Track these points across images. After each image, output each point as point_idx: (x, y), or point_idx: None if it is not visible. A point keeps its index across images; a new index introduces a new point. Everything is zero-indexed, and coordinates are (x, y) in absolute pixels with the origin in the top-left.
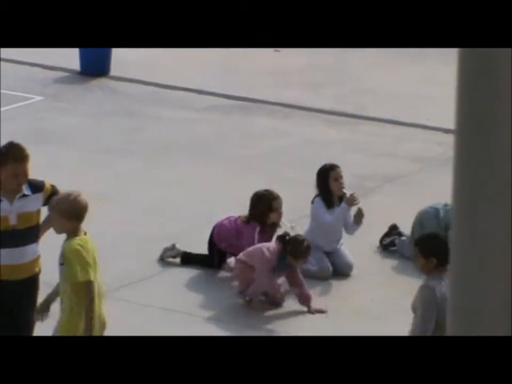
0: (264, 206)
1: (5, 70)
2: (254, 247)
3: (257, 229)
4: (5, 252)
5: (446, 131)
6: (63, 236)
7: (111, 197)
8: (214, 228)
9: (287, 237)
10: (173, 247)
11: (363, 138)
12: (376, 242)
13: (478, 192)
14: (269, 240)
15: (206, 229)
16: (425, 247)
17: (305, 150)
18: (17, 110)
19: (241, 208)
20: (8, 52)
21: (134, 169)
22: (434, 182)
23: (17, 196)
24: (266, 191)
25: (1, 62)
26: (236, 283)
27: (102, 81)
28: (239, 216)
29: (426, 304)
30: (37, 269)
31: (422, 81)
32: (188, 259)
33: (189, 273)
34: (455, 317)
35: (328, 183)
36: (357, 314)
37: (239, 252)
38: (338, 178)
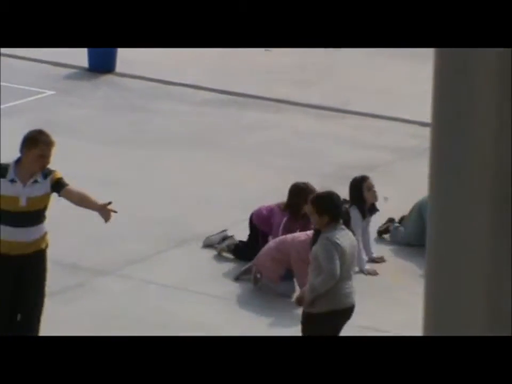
0: (302, 198)
1: (19, 66)
2: (289, 244)
3: (285, 218)
4: (14, 230)
5: (422, 124)
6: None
7: (117, 183)
8: (253, 214)
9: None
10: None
11: (347, 131)
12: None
13: (452, 181)
14: (302, 229)
15: (202, 210)
16: (319, 205)
17: (294, 141)
18: (32, 103)
19: (232, 192)
20: (22, 50)
21: (137, 158)
22: (410, 171)
23: (30, 181)
24: (305, 184)
25: (17, 60)
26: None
27: (108, 77)
28: (278, 203)
29: (326, 250)
30: (43, 245)
31: (403, 79)
32: (239, 248)
33: (191, 252)
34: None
35: (362, 193)
36: None
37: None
38: (371, 187)
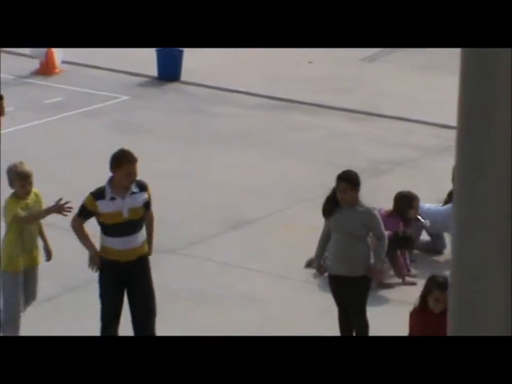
0: (406, 203)
1: (100, 75)
2: None
3: (401, 222)
4: (122, 239)
5: (443, 126)
6: None
7: (180, 175)
8: None
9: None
10: None
11: (378, 132)
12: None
13: (476, 178)
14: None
15: (253, 199)
16: (355, 181)
17: (332, 141)
18: (110, 106)
19: (279, 184)
20: (101, 62)
21: (198, 154)
22: (433, 165)
23: (128, 193)
24: (409, 192)
25: (98, 70)
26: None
27: (174, 85)
28: (380, 210)
29: (380, 219)
30: (145, 249)
31: (425, 88)
32: None
33: (244, 235)
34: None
35: (407, 210)
36: None
37: None
38: (416, 207)
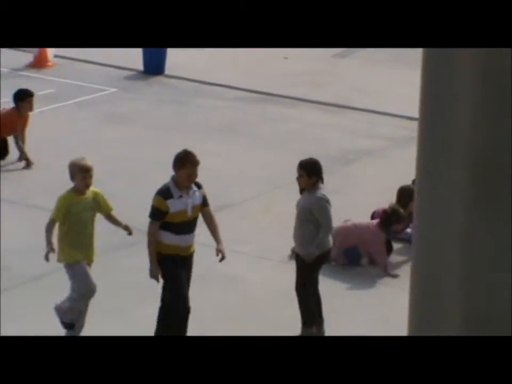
0: (408, 196)
1: (89, 69)
2: (364, 231)
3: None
4: (182, 237)
5: (409, 118)
6: None
7: (165, 163)
8: (374, 212)
9: (389, 209)
10: None
11: (348, 123)
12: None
13: (438, 166)
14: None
15: (234, 184)
16: (309, 169)
17: (307, 131)
18: (98, 98)
19: (258, 170)
20: (91, 56)
21: (181, 142)
22: (400, 155)
23: (190, 192)
24: (410, 186)
25: (87, 64)
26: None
27: (158, 78)
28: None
29: (326, 209)
30: (194, 247)
31: (394, 82)
32: None
33: (228, 218)
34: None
35: (409, 203)
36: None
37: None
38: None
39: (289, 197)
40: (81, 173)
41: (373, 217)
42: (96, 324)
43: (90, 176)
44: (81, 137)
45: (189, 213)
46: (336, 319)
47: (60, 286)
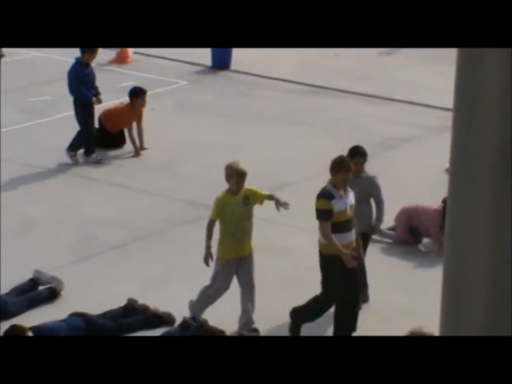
0: None
1: (164, 64)
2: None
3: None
4: (345, 234)
5: (443, 109)
6: None
7: (229, 146)
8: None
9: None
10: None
11: (390, 113)
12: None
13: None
14: None
15: (288, 167)
16: (364, 155)
17: (353, 120)
18: (172, 89)
19: (309, 155)
20: (164, 52)
21: (244, 129)
22: (434, 142)
23: (345, 193)
24: None
25: (161, 59)
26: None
27: (224, 73)
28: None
29: (380, 187)
30: (354, 243)
31: (429, 76)
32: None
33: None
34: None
35: None
36: None
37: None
38: None
39: None
40: (237, 177)
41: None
42: (171, 288)
43: (244, 180)
44: (158, 123)
45: (348, 211)
46: (379, 286)
47: (137, 254)
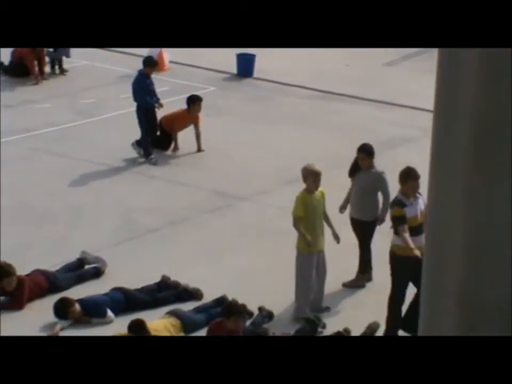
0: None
1: (194, 72)
2: None
3: None
4: (416, 238)
5: None
6: None
7: (252, 144)
8: None
9: None
10: None
11: (394, 116)
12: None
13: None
14: None
15: (302, 162)
16: (371, 151)
17: (361, 123)
18: (202, 94)
19: (322, 152)
20: (196, 61)
21: (266, 130)
22: None
23: (416, 200)
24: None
25: (192, 68)
26: None
27: (248, 80)
28: None
29: (387, 182)
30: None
31: (430, 85)
32: None
33: (295, 188)
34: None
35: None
36: None
37: None
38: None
39: (345, 173)
40: (313, 176)
41: None
42: (199, 267)
43: (319, 180)
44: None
45: (419, 217)
46: (382, 268)
47: (170, 237)
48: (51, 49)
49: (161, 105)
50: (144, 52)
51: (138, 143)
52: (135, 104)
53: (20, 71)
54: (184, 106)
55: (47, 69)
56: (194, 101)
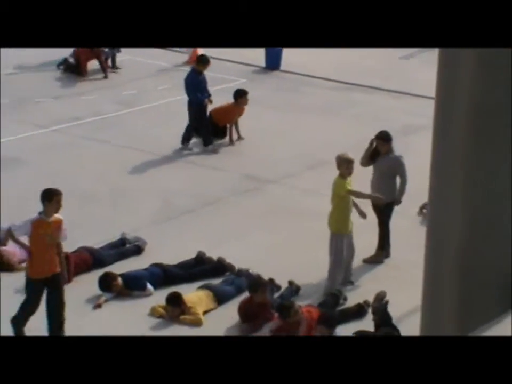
0: None
1: (226, 65)
2: None
3: None
4: None
5: None
6: None
7: (279, 131)
8: None
9: None
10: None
11: (408, 106)
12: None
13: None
14: None
15: (325, 147)
16: (389, 138)
17: (378, 110)
18: (233, 86)
19: (344, 139)
20: (227, 55)
21: (292, 119)
22: None
23: None
24: None
25: (225, 61)
26: None
27: (276, 72)
28: None
29: (405, 165)
30: None
31: None
32: None
33: (318, 173)
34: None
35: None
36: None
37: None
38: None
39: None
40: (346, 163)
41: None
42: (231, 244)
43: (352, 167)
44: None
45: None
46: (399, 245)
47: (205, 217)
48: (106, 49)
49: (210, 101)
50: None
51: (186, 136)
52: (187, 98)
53: (78, 69)
54: (220, 96)
55: (108, 64)
56: (241, 95)
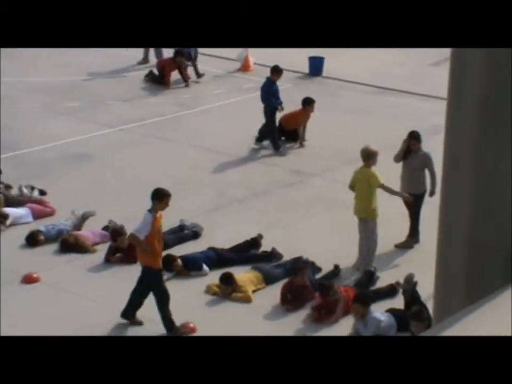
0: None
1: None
2: None
3: None
4: None
5: None
6: None
7: (324, 130)
8: None
9: None
10: None
11: (437, 107)
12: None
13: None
14: None
15: (361, 144)
16: (419, 137)
17: (410, 112)
18: (281, 90)
19: (378, 137)
20: (275, 63)
21: (332, 119)
22: None
23: None
24: None
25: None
26: None
27: (318, 78)
28: None
29: (433, 161)
30: None
31: None
32: None
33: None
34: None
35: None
36: None
37: None
38: None
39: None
40: (375, 155)
41: None
42: (277, 231)
43: (376, 161)
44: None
45: None
46: (428, 231)
47: (254, 206)
48: (189, 62)
49: (282, 109)
50: (232, 55)
51: (259, 139)
52: (262, 105)
53: (162, 79)
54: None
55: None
56: (309, 103)
